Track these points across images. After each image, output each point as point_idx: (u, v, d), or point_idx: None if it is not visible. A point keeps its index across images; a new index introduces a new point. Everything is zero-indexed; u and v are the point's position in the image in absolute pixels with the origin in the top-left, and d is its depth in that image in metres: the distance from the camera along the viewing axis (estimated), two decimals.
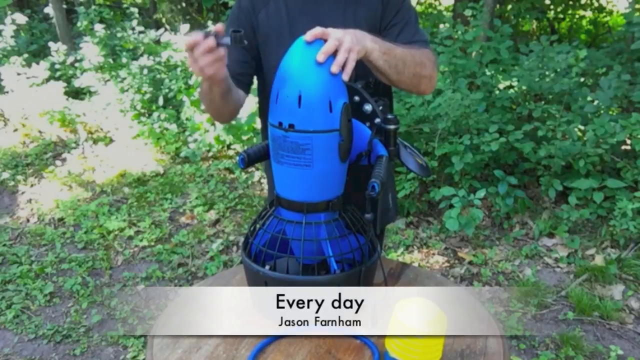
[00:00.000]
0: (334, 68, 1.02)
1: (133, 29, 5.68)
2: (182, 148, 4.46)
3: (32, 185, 4.03)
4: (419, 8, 7.40)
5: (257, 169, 4.11)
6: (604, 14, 6.42)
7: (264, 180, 4.03)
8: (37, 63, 5.40)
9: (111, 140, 4.77)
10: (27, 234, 3.39)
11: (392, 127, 1.11)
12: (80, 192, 3.91)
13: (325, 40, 1.04)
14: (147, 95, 4.95)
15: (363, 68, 1.17)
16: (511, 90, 3.75)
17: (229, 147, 4.47)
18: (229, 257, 3.12)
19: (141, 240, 3.27)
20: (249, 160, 1.17)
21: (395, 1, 1.34)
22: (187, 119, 4.59)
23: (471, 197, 2.88)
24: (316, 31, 1.03)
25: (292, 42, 1.17)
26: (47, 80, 5.30)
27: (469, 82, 3.59)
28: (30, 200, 3.81)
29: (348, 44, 1.05)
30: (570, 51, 3.35)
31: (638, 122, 3.00)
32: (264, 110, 1.49)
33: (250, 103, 4.07)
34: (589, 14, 6.51)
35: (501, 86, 3.79)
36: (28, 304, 2.72)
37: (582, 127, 3.28)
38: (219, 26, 1.04)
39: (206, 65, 1.04)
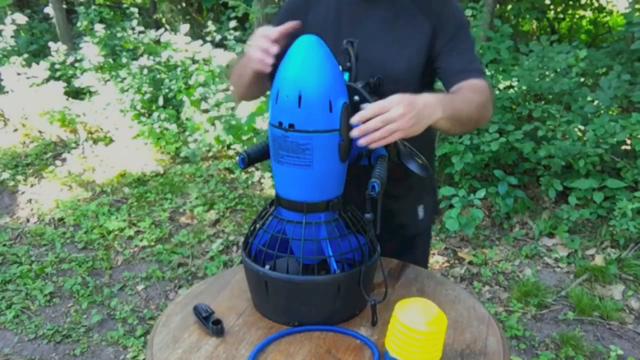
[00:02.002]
0: (355, 132, 1.01)
1: (133, 29, 5.68)
2: (182, 148, 4.46)
3: (32, 185, 4.03)
4: None
5: (257, 169, 4.11)
6: (604, 14, 6.41)
7: (264, 181, 4.03)
8: (37, 63, 5.40)
9: (111, 140, 4.77)
10: (27, 234, 3.39)
11: None
12: (80, 192, 3.91)
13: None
14: (147, 95, 4.96)
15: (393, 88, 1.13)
16: (511, 90, 3.75)
17: (229, 147, 4.47)
18: (229, 257, 3.12)
19: (141, 240, 3.27)
20: (249, 160, 1.17)
21: (448, 28, 1.28)
22: (187, 119, 4.60)
23: (471, 197, 2.88)
24: (370, 111, 0.99)
25: (334, 48, 1.16)
26: (47, 80, 5.30)
27: None
28: (30, 200, 3.81)
29: (397, 125, 0.99)
30: (570, 51, 3.36)
31: (638, 122, 3.01)
32: None
33: (250, 103, 4.07)
34: (589, 14, 6.51)
35: (501, 86, 3.79)
36: (28, 304, 2.72)
37: (582, 127, 3.28)
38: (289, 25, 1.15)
39: (258, 50, 1.13)
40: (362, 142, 1.01)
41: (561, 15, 6.36)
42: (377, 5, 1.31)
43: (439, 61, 1.29)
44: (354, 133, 1.01)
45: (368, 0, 1.32)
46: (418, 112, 1.01)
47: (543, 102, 3.54)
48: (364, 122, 1.01)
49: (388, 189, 1.15)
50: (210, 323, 1.11)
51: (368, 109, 1.01)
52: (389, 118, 0.99)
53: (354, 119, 1.02)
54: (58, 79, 5.47)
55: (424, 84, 1.32)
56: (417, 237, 1.58)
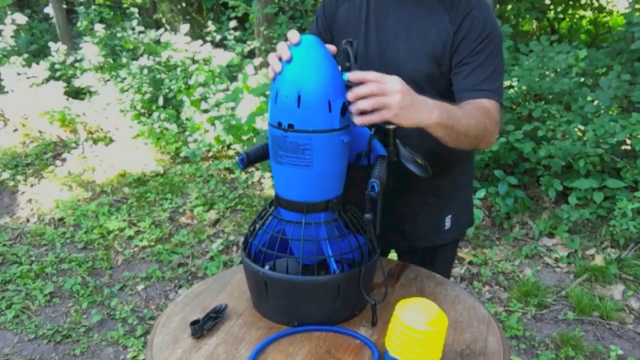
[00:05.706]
0: (350, 96, 0.97)
1: (133, 29, 5.68)
2: (182, 148, 4.46)
3: (32, 185, 4.03)
4: None
5: (257, 169, 4.11)
6: (604, 14, 6.41)
7: (264, 181, 4.03)
8: (37, 63, 5.40)
9: (111, 140, 4.77)
10: (27, 234, 3.39)
11: (390, 126, 1.11)
12: (80, 192, 3.91)
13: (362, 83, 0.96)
14: (147, 95, 4.96)
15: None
16: (511, 90, 3.75)
17: (229, 147, 4.48)
18: (229, 257, 3.12)
19: (141, 240, 3.27)
20: (248, 160, 1.17)
21: (470, 38, 1.20)
22: (187, 119, 4.60)
23: None
24: (371, 75, 0.96)
25: (365, 43, 1.10)
26: (47, 80, 5.31)
27: None
28: (30, 200, 3.81)
29: (389, 100, 0.95)
30: (570, 51, 3.36)
31: (638, 122, 3.01)
32: None
33: (250, 103, 4.07)
34: (589, 14, 6.50)
35: None
36: (28, 304, 2.72)
37: (582, 127, 3.28)
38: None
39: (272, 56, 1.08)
40: (352, 108, 0.98)
41: (561, 15, 6.36)
42: (404, 1, 1.27)
43: (453, 72, 1.24)
44: (349, 97, 0.98)
45: None
46: (413, 102, 0.99)
47: (543, 102, 3.54)
48: (360, 83, 0.97)
49: (412, 193, 1.11)
50: (189, 323, 1.10)
51: (369, 73, 0.97)
52: (385, 89, 0.96)
53: (352, 76, 0.97)
54: (58, 79, 5.47)
55: (449, 92, 1.25)
56: (440, 249, 1.51)
